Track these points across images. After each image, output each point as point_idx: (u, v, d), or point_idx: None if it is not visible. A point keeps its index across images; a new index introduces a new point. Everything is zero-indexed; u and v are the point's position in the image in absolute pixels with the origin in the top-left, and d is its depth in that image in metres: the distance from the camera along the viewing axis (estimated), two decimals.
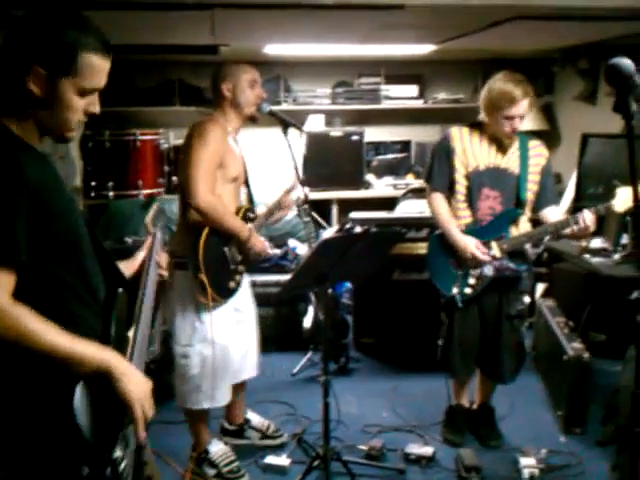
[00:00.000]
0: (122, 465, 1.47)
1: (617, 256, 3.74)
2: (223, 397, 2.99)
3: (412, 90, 6.04)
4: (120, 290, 1.61)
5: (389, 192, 5.56)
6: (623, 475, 2.73)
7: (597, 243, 3.89)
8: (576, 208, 4.65)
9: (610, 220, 3.94)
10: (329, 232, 4.40)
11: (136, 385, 1.49)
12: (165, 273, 1.98)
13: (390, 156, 5.99)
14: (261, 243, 2.95)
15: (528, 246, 3.19)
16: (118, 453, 1.47)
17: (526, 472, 2.98)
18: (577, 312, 3.96)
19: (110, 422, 1.49)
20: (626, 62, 1.78)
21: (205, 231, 2.80)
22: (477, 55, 5.76)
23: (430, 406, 3.55)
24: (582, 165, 4.61)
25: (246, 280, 3.11)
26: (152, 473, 1.56)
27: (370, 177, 5.81)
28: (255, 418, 3.35)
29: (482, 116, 2.97)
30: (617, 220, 3.78)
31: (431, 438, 3.33)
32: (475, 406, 3.43)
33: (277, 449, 3.24)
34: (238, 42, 4.56)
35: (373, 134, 5.99)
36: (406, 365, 4.13)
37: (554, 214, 2.98)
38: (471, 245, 2.95)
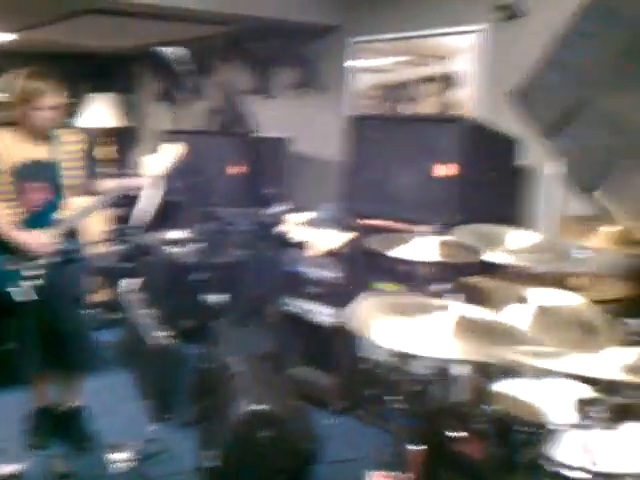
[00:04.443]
0: None
1: (192, 245, 4.00)
2: None
3: None
4: None
5: None
6: (204, 447, 2.94)
7: (176, 234, 4.11)
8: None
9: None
10: None
11: None
12: None
13: None
14: None
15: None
16: None
17: (119, 467, 3.01)
18: (166, 301, 4.12)
19: None
20: (168, 51, 1.85)
21: None
22: (62, 48, 5.61)
23: (15, 420, 3.33)
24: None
25: None
26: None
27: None
28: None
29: (15, 114, 3.00)
30: None
31: (21, 453, 3.13)
32: (63, 409, 3.34)
33: None
34: None
35: None
36: None
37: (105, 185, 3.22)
38: (31, 238, 2.96)
